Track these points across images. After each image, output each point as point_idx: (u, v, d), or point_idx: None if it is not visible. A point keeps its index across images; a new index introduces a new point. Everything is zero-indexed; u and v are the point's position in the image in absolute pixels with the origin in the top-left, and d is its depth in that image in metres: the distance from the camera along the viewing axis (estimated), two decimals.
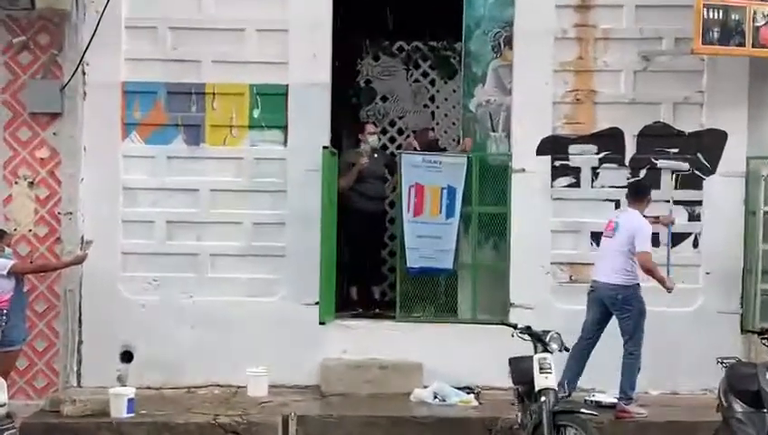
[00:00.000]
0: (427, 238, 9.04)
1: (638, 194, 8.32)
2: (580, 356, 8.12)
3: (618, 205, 8.95)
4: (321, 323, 8.92)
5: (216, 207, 9.08)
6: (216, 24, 8.96)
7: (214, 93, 9.01)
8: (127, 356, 8.97)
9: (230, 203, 9.08)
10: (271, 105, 9.01)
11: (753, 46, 8.50)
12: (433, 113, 11.96)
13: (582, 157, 9.02)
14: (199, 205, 9.10)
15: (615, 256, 8.09)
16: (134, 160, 9.04)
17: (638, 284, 8.07)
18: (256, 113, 9.03)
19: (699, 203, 9.04)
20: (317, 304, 8.91)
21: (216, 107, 9.01)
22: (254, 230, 9.06)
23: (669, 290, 8.10)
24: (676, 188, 9.09)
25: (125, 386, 8.40)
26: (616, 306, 8.09)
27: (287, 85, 8.96)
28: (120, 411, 7.79)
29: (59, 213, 8.85)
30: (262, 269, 9.01)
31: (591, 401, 8.17)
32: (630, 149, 9.06)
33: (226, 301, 8.95)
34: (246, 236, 9.06)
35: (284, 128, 9.00)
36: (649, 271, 7.99)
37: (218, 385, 8.91)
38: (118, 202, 9.00)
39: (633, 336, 8.09)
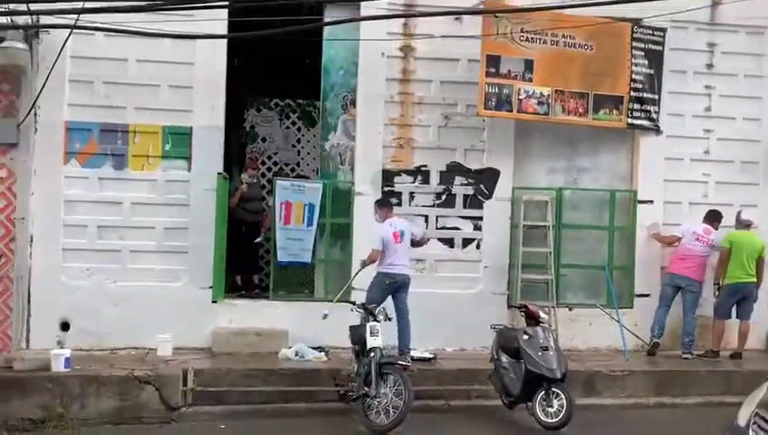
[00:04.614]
0: (293, 241, 9.49)
1: (392, 205, 8.90)
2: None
3: (427, 219, 9.74)
4: (214, 302, 9.33)
5: (135, 216, 9.39)
6: (138, 80, 9.34)
7: (135, 132, 9.35)
8: (65, 326, 9.22)
9: (146, 213, 9.38)
10: (178, 142, 9.35)
11: (518, 112, 9.40)
12: (299, 151, 12.87)
13: (403, 185, 9.75)
14: (122, 214, 9.39)
15: (407, 253, 8.69)
16: (73, 180, 9.32)
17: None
18: (167, 147, 9.38)
19: (481, 218, 9.85)
20: (211, 287, 9.30)
21: (137, 142, 9.34)
22: (164, 233, 9.39)
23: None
24: (464, 207, 9.83)
25: (63, 348, 8.58)
26: (406, 288, 8.67)
27: (191, 127, 9.35)
28: (59, 367, 8.13)
29: (14, 218, 9.17)
30: (169, 262, 9.34)
31: (411, 356, 8.69)
32: (435, 180, 9.82)
33: (142, 285, 9.26)
34: (158, 238, 9.40)
35: (188, 159, 9.36)
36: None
37: (135, 348, 9.20)
38: (60, 211, 9.29)
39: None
